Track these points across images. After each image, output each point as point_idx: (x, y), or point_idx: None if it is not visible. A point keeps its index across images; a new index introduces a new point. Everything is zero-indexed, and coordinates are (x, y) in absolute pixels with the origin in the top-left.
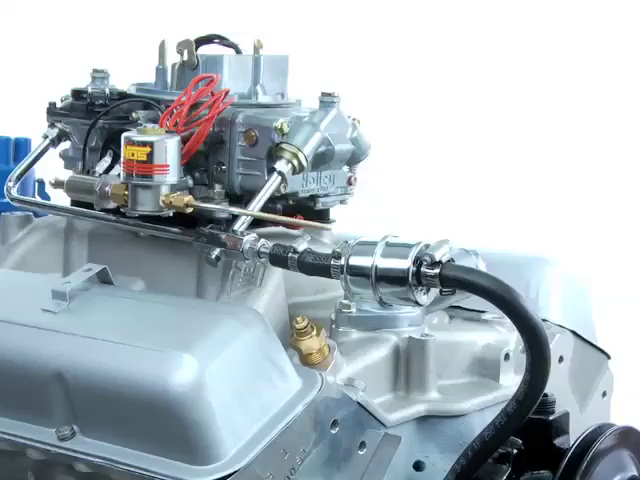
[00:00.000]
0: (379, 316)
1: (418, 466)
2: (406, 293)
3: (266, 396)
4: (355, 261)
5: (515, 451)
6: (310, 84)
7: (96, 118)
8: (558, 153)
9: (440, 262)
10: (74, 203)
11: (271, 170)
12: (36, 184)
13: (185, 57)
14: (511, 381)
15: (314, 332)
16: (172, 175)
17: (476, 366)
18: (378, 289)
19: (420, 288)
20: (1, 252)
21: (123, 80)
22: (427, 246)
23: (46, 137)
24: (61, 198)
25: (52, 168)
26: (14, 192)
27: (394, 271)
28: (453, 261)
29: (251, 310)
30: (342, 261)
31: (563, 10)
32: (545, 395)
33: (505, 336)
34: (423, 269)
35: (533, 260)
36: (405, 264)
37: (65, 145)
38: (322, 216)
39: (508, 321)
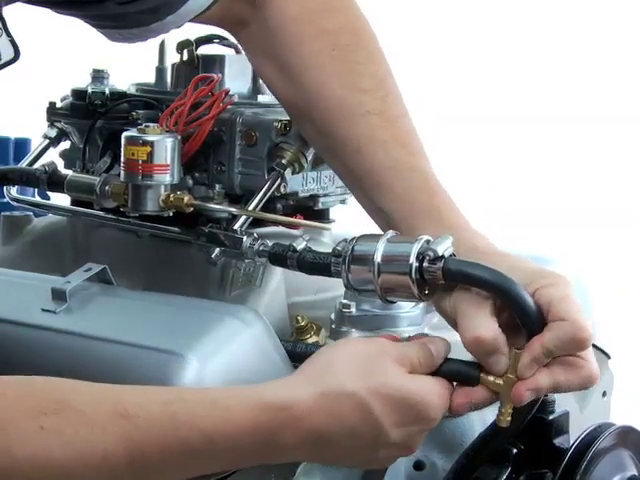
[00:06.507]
0: (379, 316)
1: (418, 466)
2: (409, 289)
3: None
4: (356, 258)
5: (515, 451)
6: None
7: (96, 118)
8: (558, 153)
9: (443, 257)
10: (74, 203)
11: (271, 170)
12: None
13: (185, 57)
14: None
15: (314, 331)
16: (172, 175)
17: None
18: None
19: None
20: (0, 252)
21: (123, 80)
22: (429, 241)
23: (46, 137)
24: (61, 198)
25: None
26: (14, 192)
27: (397, 267)
28: (455, 256)
29: (251, 310)
30: (343, 259)
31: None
32: (545, 395)
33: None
34: (426, 264)
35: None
36: (408, 260)
37: (65, 145)
38: (322, 216)
39: None
